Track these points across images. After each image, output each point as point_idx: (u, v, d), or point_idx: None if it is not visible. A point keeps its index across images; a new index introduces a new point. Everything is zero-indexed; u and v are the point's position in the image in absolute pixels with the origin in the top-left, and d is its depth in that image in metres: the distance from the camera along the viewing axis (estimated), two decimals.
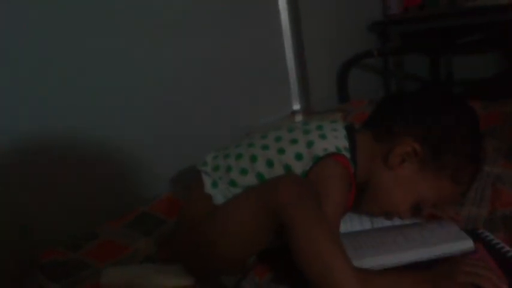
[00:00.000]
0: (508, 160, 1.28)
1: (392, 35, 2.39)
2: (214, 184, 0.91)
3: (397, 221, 0.98)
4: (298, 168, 0.88)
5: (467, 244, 0.86)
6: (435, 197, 0.92)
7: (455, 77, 2.69)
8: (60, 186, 1.20)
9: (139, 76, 1.33)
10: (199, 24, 1.42)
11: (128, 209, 1.23)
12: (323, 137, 0.90)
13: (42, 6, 1.11)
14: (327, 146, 0.88)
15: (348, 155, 0.89)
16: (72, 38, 1.17)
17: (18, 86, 1.12)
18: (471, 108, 0.98)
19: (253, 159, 0.90)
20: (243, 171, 0.90)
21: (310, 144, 0.89)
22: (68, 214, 1.21)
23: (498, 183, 1.15)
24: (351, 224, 0.99)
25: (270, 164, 0.89)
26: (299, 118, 1.86)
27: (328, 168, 0.86)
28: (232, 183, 0.90)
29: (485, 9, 1.98)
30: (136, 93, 1.33)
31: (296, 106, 2.00)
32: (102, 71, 1.26)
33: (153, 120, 1.37)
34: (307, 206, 0.77)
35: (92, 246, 1.12)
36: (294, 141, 0.91)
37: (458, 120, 0.93)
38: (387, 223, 0.98)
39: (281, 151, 0.90)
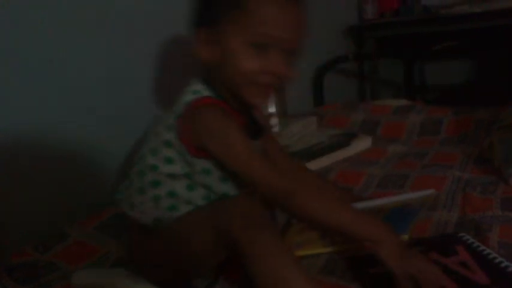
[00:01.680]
0: (477, 166, 1.31)
1: (367, 40, 2.41)
2: (131, 206, 0.92)
3: None
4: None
5: (430, 191, 0.93)
6: (253, 31, 0.85)
7: (429, 83, 2.74)
8: (29, 185, 1.18)
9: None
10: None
11: (97, 208, 1.22)
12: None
13: None
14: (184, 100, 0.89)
15: (204, 91, 0.90)
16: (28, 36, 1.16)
17: None
18: None
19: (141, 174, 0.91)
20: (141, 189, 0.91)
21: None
22: (36, 214, 1.18)
23: (468, 188, 1.17)
24: None
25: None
26: (274, 121, 1.86)
27: (199, 118, 0.86)
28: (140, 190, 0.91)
29: (459, 17, 2.01)
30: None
31: (271, 109, 2.00)
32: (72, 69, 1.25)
33: (124, 119, 1.36)
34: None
35: (62, 247, 1.10)
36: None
37: None
38: None
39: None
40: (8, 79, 1.12)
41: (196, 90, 0.90)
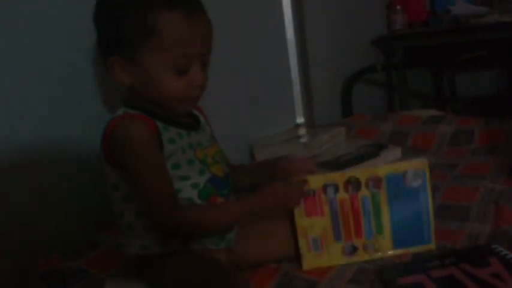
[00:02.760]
0: (510, 177, 1.29)
1: (396, 50, 2.40)
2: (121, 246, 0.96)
3: None
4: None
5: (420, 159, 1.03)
6: (169, 55, 0.87)
7: (458, 93, 2.71)
8: (57, 193, 1.20)
9: None
10: None
11: None
12: None
13: None
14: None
15: (119, 112, 0.91)
16: None
17: None
18: None
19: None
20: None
21: None
22: (65, 223, 1.21)
23: (501, 200, 1.16)
24: None
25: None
26: (303, 131, 1.87)
27: (119, 134, 0.86)
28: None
29: (488, 26, 1.99)
30: None
31: (300, 119, 2.01)
32: None
33: None
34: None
35: (91, 255, 1.12)
36: None
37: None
38: None
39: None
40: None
41: (112, 117, 0.91)
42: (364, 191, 1.00)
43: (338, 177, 1.00)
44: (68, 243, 1.16)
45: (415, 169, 1.00)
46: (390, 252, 1.00)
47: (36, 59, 1.15)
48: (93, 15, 0.92)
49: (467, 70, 2.63)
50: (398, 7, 2.38)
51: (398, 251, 1.00)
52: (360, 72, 2.17)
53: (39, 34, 1.15)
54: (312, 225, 0.99)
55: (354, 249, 1.00)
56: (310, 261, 0.99)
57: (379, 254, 0.99)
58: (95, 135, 0.94)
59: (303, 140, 1.69)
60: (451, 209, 1.16)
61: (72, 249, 1.14)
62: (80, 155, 1.22)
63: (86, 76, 1.24)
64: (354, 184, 0.99)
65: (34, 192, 1.16)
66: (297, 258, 1.00)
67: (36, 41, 1.15)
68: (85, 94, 1.24)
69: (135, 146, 0.85)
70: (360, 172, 1.00)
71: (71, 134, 1.21)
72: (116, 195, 0.91)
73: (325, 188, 0.99)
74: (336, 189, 0.99)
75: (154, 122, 0.89)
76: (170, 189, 0.88)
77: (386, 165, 1.08)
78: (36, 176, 1.17)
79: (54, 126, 1.18)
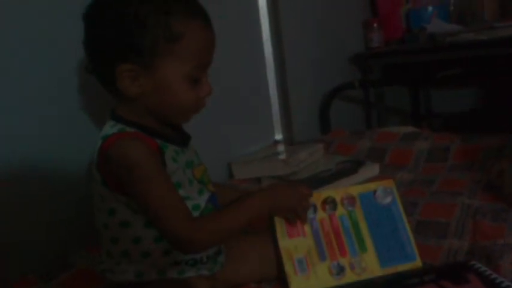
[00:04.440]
0: (486, 193, 1.30)
1: (373, 68, 2.43)
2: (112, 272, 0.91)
3: None
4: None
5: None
6: (187, 65, 0.86)
7: (435, 110, 2.74)
8: (30, 211, 1.17)
9: None
10: None
11: None
12: None
13: None
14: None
15: (115, 129, 0.87)
16: None
17: None
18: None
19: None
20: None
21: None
22: (39, 242, 1.17)
23: (478, 215, 1.16)
24: None
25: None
26: (281, 148, 1.86)
27: (113, 154, 0.83)
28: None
29: (464, 44, 2.02)
30: None
31: (278, 136, 2.01)
32: None
33: None
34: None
35: (66, 276, 1.09)
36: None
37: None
38: None
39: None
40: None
41: (104, 135, 0.86)
42: (340, 210, 1.03)
43: (315, 197, 1.02)
44: (43, 263, 1.13)
45: (383, 187, 1.05)
46: (378, 272, 0.99)
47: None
48: (90, 18, 0.87)
49: (443, 87, 2.66)
50: (375, 25, 2.41)
51: (386, 270, 0.99)
52: (338, 88, 2.19)
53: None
54: (296, 246, 0.99)
55: (341, 269, 0.98)
56: (298, 285, 0.97)
57: (367, 274, 0.98)
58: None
59: (282, 157, 1.69)
60: (430, 226, 1.16)
61: (46, 269, 1.11)
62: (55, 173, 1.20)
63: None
64: (330, 204, 1.02)
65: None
66: (279, 279, 0.99)
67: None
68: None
69: (140, 169, 0.81)
70: (334, 192, 1.04)
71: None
72: (112, 221, 0.87)
73: None
74: (314, 209, 1.01)
75: (154, 140, 0.86)
76: (183, 204, 0.85)
77: (357, 185, 1.12)
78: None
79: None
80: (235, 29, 1.75)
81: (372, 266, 0.99)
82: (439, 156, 1.64)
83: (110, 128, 0.87)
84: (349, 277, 0.98)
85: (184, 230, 0.82)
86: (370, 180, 1.40)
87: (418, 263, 0.99)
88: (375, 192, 1.04)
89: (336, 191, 1.04)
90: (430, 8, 2.32)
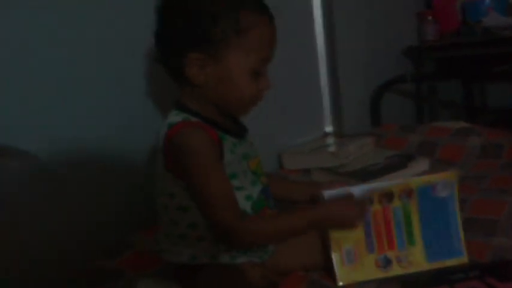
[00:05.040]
0: None
1: (427, 61, 2.40)
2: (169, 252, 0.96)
3: None
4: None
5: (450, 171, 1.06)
6: (252, 57, 0.91)
7: (489, 105, 2.68)
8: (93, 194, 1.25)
9: None
10: None
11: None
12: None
13: None
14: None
15: (179, 117, 0.92)
16: None
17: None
18: None
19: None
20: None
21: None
22: (103, 224, 1.25)
23: None
24: None
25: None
26: (331, 140, 1.88)
27: (177, 140, 0.89)
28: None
29: None
30: None
31: (328, 128, 2.03)
32: None
33: None
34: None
35: (126, 255, 1.16)
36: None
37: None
38: None
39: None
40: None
41: (170, 122, 0.92)
42: (396, 202, 1.02)
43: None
44: (105, 244, 1.20)
45: (445, 179, 1.03)
46: (424, 267, 1.00)
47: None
48: (164, 10, 0.93)
49: (498, 81, 2.60)
50: (429, 17, 2.37)
51: (433, 265, 1.00)
52: (390, 82, 2.18)
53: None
54: (345, 236, 1.00)
55: (387, 262, 1.00)
56: (345, 275, 0.99)
57: (413, 268, 0.99)
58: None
59: (331, 149, 1.71)
60: (478, 222, 1.16)
61: (108, 249, 1.18)
62: (123, 156, 1.28)
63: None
64: (387, 196, 1.01)
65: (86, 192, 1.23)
66: (326, 268, 1.01)
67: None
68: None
69: (200, 157, 0.87)
70: (394, 186, 1.02)
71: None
72: (171, 204, 0.92)
73: None
74: (371, 201, 1.01)
75: (215, 130, 0.91)
76: (235, 199, 0.90)
77: (419, 177, 1.11)
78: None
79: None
80: (289, 21, 1.77)
81: (418, 260, 1.00)
82: (492, 153, 1.63)
83: (175, 116, 0.93)
84: (396, 270, 0.99)
85: (231, 222, 0.87)
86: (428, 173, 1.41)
87: (464, 258, 1.00)
88: (435, 186, 1.02)
89: (396, 185, 1.02)
90: (486, 1, 2.26)
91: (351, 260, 0.99)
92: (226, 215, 0.87)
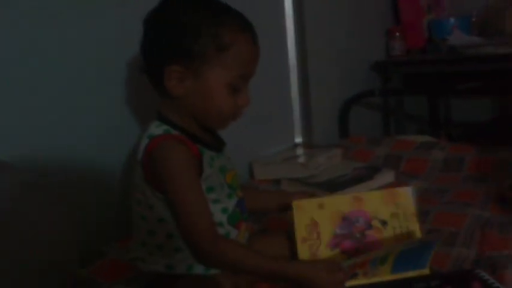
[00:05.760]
0: (497, 205, 1.34)
1: (394, 76, 2.46)
2: (143, 261, 0.96)
3: None
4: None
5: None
6: (231, 74, 0.92)
7: (454, 119, 2.76)
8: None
9: None
10: None
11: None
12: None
13: None
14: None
15: (160, 129, 0.93)
16: None
17: None
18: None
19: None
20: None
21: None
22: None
23: (487, 226, 1.21)
24: None
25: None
26: (300, 151, 1.92)
27: (159, 160, 0.89)
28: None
29: (484, 57, 2.06)
30: None
31: (298, 139, 2.06)
32: None
33: None
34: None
35: (100, 263, 1.17)
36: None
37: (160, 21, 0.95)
38: None
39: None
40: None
41: (151, 134, 0.93)
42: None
43: None
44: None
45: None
46: (387, 277, 1.01)
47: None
48: (150, 23, 0.95)
49: (463, 97, 2.68)
50: (397, 33, 2.45)
51: (395, 275, 1.01)
52: (358, 95, 2.23)
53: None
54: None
55: (354, 275, 0.99)
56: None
57: (376, 278, 1.00)
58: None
59: (301, 160, 1.75)
60: (440, 234, 1.21)
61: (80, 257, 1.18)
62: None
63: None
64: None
65: None
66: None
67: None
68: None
69: (178, 174, 0.87)
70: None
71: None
72: (151, 215, 0.92)
73: None
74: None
75: (195, 144, 0.92)
76: (211, 217, 0.90)
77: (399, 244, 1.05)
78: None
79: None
80: (261, 33, 1.79)
81: (384, 272, 1.01)
82: (454, 166, 1.69)
83: (156, 128, 0.94)
84: (360, 280, 1.00)
85: (205, 239, 0.87)
86: (386, 187, 1.46)
87: (426, 270, 1.02)
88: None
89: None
90: (451, 20, 2.35)
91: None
92: (201, 235, 0.87)
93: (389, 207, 1.07)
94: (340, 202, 1.07)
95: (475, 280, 0.94)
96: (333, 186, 1.53)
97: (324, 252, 1.01)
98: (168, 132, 0.93)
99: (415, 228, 1.05)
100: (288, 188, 1.63)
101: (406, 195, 1.08)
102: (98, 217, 1.30)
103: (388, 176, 1.63)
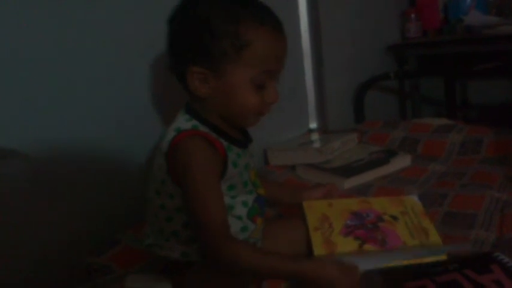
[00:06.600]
0: None
1: (409, 58, 2.44)
2: (160, 247, 0.96)
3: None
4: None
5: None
6: (255, 71, 0.90)
7: (471, 101, 2.73)
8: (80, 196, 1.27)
9: None
10: None
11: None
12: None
13: None
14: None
15: (189, 124, 0.92)
16: None
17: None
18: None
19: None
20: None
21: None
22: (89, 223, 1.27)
23: (506, 209, 1.19)
24: None
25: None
26: (315, 136, 1.91)
27: (181, 157, 0.88)
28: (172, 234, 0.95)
29: (502, 37, 2.02)
30: None
31: (313, 125, 2.05)
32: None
33: None
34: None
35: (114, 252, 1.18)
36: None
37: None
38: None
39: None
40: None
41: (179, 127, 0.91)
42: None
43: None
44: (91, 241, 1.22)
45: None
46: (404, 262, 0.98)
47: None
48: (172, 24, 0.93)
49: (480, 78, 2.65)
50: (412, 15, 2.41)
51: (412, 261, 0.97)
52: (373, 79, 2.21)
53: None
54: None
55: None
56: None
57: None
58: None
59: (316, 145, 1.74)
60: (458, 217, 1.20)
61: (95, 245, 1.20)
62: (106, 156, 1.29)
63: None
64: None
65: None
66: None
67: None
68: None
69: (199, 172, 0.86)
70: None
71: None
72: (170, 204, 0.92)
73: None
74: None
75: (222, 143, 0.91)
76: (226, 219, 0.89)
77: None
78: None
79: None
80: None
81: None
82: (472, 149, 1.66)
83: (185, 121, 0.93)
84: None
85: (217, 240, 0.86)
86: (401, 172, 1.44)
87: (443, 256, 1.01)
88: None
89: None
90: (468, 0, 2.31)
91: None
92: (213, 235, 0.86)
93: (398, 207, 1.09)
94: (349, 203, 1.10)
95: (494, 263, 0.93)
96: (349, 171, 1.52)
97: (337, 238, 1.00)
98: (196, 128, 0.91)
99: (429, 226, 1.04)
100: (303, 173, 1.63)
101: (413, 200, 1.11)
102: (111, 206, 1.31)
103: (404, 160, 1.62)
